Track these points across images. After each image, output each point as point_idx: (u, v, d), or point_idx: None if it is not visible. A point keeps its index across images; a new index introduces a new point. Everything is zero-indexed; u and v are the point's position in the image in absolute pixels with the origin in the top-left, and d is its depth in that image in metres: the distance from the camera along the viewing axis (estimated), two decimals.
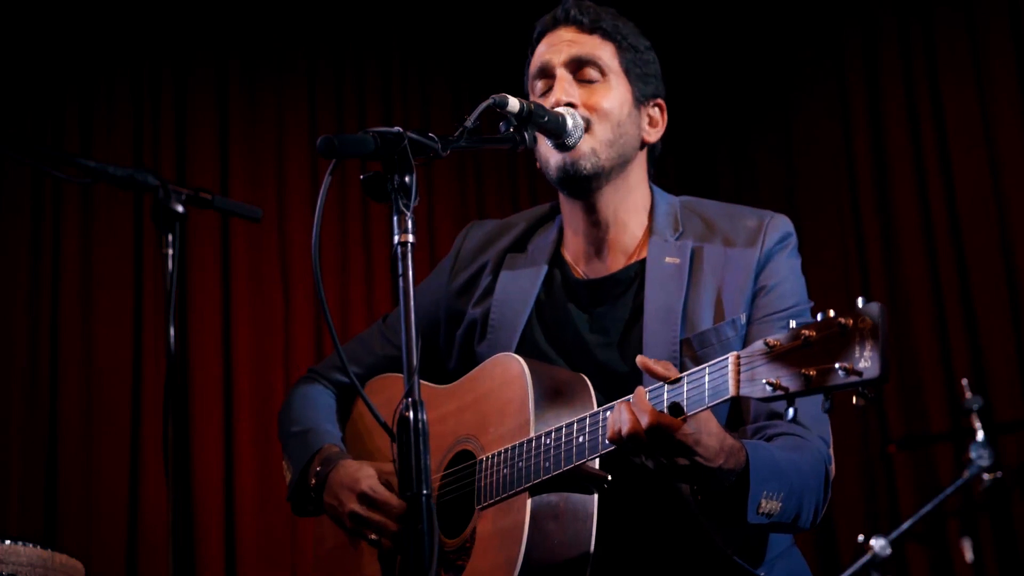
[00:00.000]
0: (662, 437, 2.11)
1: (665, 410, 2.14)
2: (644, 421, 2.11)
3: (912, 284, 5.42)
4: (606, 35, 2.61)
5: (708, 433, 2.14)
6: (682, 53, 5.81)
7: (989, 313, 5.21)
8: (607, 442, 2.21)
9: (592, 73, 2.58)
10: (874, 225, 5.60)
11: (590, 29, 2.61)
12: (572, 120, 2.48)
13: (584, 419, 2.31)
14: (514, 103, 2.33)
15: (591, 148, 2.53)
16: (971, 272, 5.29)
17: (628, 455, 2.18)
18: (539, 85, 2.61)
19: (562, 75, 2.57)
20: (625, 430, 2.12)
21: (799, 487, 2.29)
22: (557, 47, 2.60)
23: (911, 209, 5.49)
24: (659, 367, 2.16)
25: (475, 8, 6.07)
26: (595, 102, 2.55)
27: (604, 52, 2.60)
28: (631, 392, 2.21)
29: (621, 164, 2.58)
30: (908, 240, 5.48)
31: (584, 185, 2.56)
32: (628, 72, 2.61)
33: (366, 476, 2.60)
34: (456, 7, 6.07)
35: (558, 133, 2.47)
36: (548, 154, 2.56)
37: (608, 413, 2.25)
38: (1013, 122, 5.24)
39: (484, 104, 2.27)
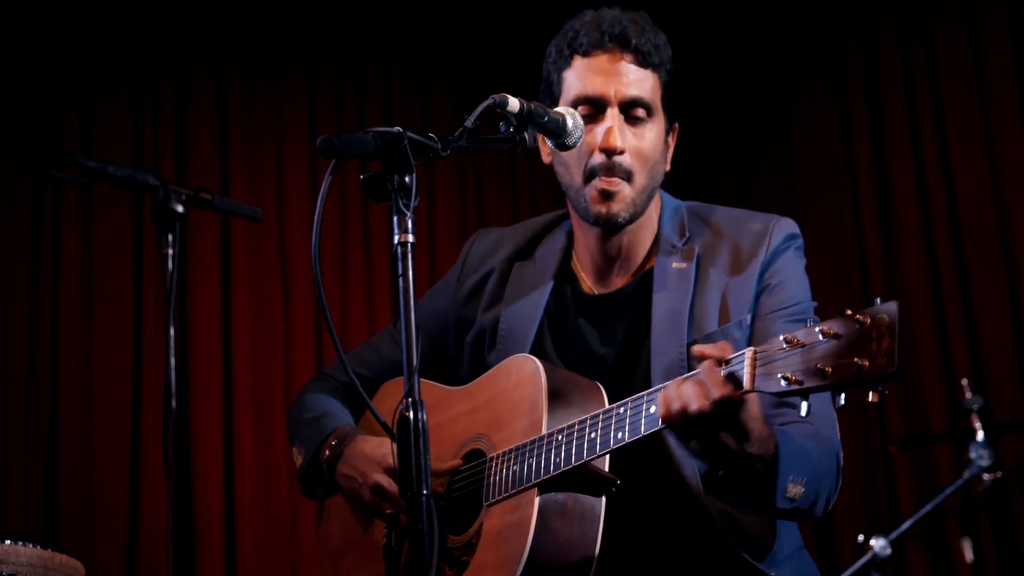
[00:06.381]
0: (728, 411, 2.05)
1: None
2: (715, 394, 2.04)
3: (912, 284, 5.41)
4: (655, 68, 2.56)
5: (754, 417, 2.10)
6: (682, 54, 5.78)
7: (989, 313, 5.21)
8: (659, 421, 2.15)
9: (641, 112, 2.54)
10: (874, 225, 5.59)
11: (646, 63, 2.54)
12: (572, 120, 2.45)
13: (597, 416, 2.31)
14: (514, 103, 2.31)
15: (631, 199, 2.53)
16: (971, 272, 5.28)
17: (680, 433, 2.12)
18: (583, 108, 2.53)
19: (615, 114, 2.52)
20: (694, 406, 2.06)
21: (818, 472, 2.30)
22: (614, 79, 2.53)
23: (911, 209, 5.48)
24: (715, 350, 2.09)
25: (475, 8, 6.07)
26: (640, 148, 2.52)
27: (654, 89, 2.56)
28: None
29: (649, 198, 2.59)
30: (908, 240, 5.48)
31: (619, 230, 2.58)
32: (665, 104, 2.59)
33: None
34: (456, 7, 6.06)
35: (558, 133, 2.44)
36: (571, 181, 2.56)
37: (620, 409, 2.26)
38: (1013, 122, 5.22)
39: (484, 104, 2.25)
